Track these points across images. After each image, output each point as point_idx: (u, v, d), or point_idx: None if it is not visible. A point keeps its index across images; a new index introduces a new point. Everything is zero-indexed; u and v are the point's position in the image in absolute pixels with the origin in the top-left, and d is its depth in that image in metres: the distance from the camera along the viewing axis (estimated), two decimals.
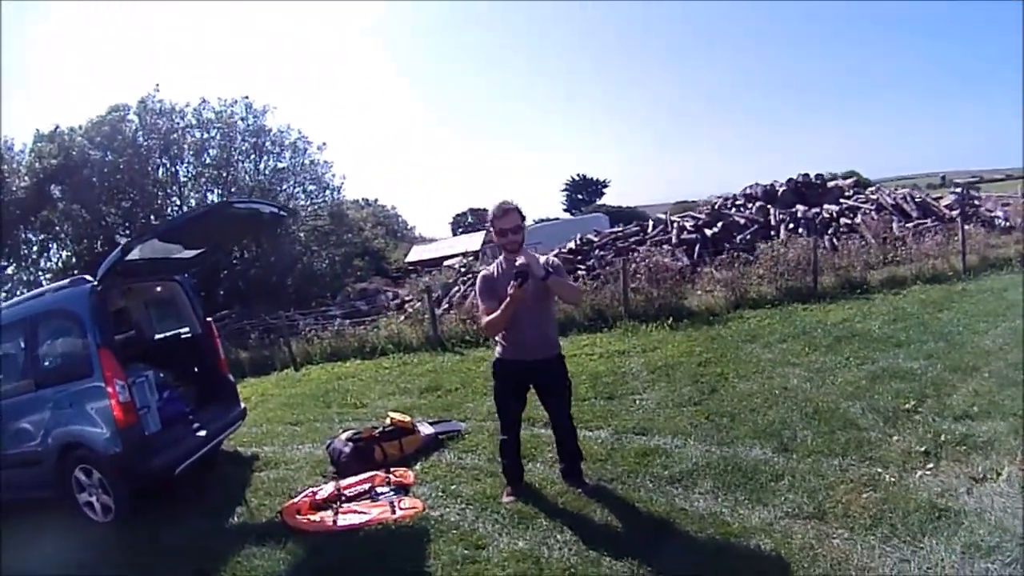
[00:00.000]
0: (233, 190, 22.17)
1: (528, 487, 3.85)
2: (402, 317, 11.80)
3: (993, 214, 11.58)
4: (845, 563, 2.74)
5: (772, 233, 12.65)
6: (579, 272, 11.30)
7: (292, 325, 11.78)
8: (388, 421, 4.96)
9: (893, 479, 3.40)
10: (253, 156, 23.49)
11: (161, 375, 5.17)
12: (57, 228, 20.94)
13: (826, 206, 13.32)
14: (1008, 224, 10.83)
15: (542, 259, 3.53)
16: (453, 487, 4.07)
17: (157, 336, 5.74)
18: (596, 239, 13.03)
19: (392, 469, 4.30)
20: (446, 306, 11.97)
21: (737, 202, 15.22)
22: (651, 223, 14.09)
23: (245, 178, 23.01)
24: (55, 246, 21.67)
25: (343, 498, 3.99)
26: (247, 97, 23.25)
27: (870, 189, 14.46)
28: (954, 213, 11.50)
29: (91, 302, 4.33)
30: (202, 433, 4.90)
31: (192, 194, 22.34)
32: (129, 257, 4.31)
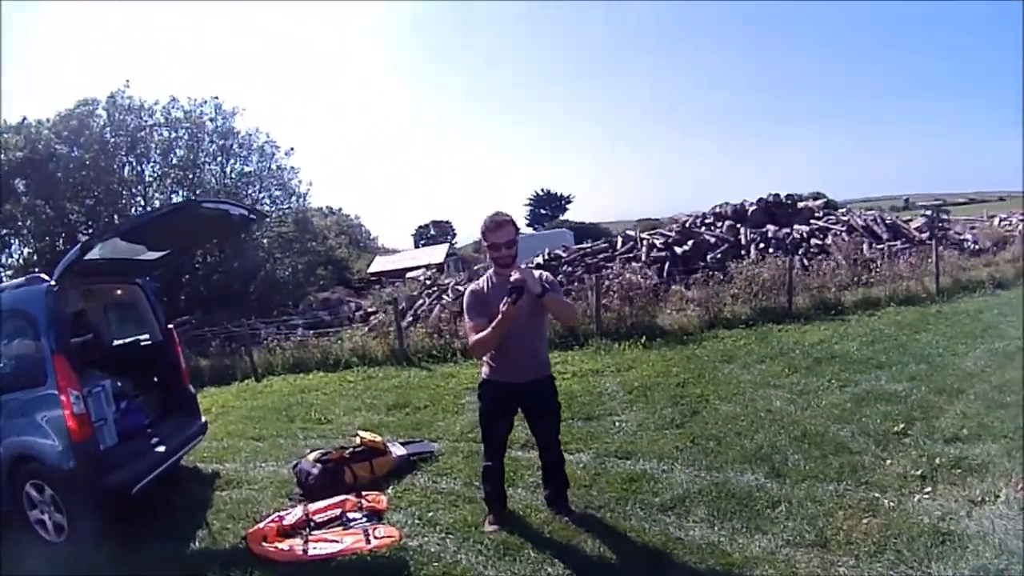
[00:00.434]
0: (198, 192, 22.50)
1: (511, 515, 3.77)
2: (366, 329, 11.89)
3: (962, 237, 12.20)
4: None
5: (743, 252, 13.02)
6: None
7: (254, 334, 11.84)
8: (358, 440, 4.87)
9: (892, 504, 3.47)
10: (220, 158, 24.25)
11: (119, 384, 5.03)
12: (20, 223, 20.98)
13: (796, 226, 13.80)
14: (978, 247, 11.40)
15: (537, 274, 3.49)
16: (430, 514, 3.97)
17: (116, 342, 5.57)
18: (564, 255, 13.11)
19: (364, 493, 4.20)
20: (410, 319, 11.92)
21: (706, 220, 15.59)
22: (620, 239, 14.31)
23: (211, 180, 23.56)
24: (16, 242, 21.84)
25: (312, 524, 3.88)
26: (217, 97, 24.36)
27: (841, 210, 15.04)
28: (924, 235, 12.04)
29: (47, 303, 4.14)
30: (161, 448, 4.75)
31: (157, 195, 22.83)
32: (89, 256, 4.15)
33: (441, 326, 10.28)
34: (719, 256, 12.77)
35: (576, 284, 10.80)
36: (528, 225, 57.48)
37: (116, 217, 20.94)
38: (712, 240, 13.67)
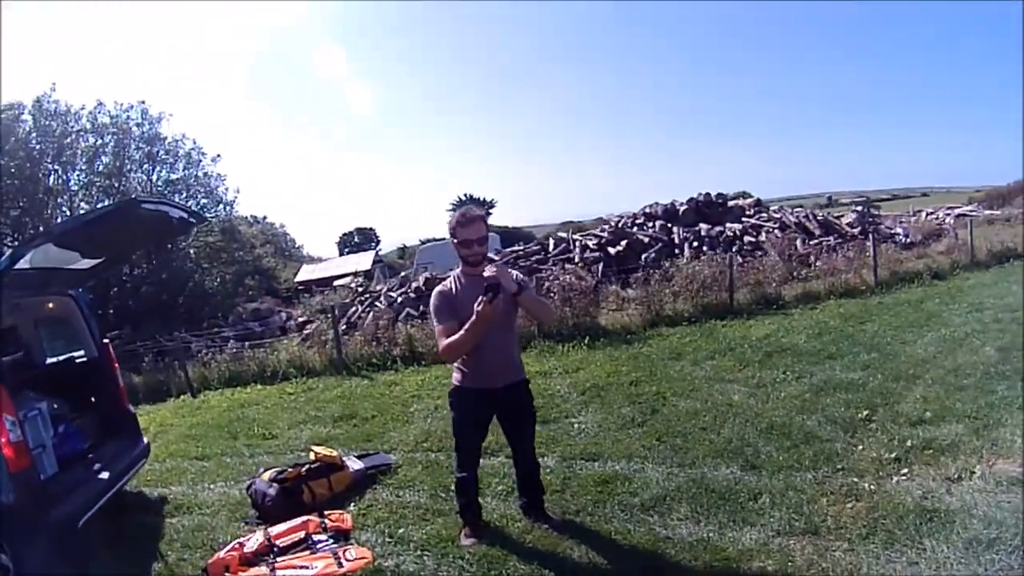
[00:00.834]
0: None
1: (487, 527, 3.68)
2: (298, 339, 11.94)
3: (893, 231, 13.09)
4: (855, 574, 2.86)
5: (676, 251, 13.47)
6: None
7: (186, 347, 11.87)
8: (312, 456, 4.69)
9: (872, 487, 3.63)
10: (146, 165, 24.51)
11: (55, 406, 4.63)
12: None
13: (728, 224, 14.40)
14: (909, 240, 12.26)
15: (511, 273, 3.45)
16: (400, 530, 3.83)
17: (48, 360, 5.28)
18: (497, 258, 13.12)
19: (326, 512, 3.99)
20: (344, 327, 11.78)
21: (637, 221, 16.02)
22: (552, 242, 14.48)
23: (137, 188, 23.42)
24: None
25: (276, 549, 3.63)
26: (144, 102, 24.32)
27: (773, 208, 15.80)
28: (856, 231, 12.82)
29: None
30: (105, 475, 4.42)
31: (83, 204, 22.64)
32: (19, 266, 3.81)
33: (379, 334, 10.17)
34: (653, 255, 13.13)
35: None
36: None
37: (41, 229, 19.83)
38: (646, 240, 14.08)
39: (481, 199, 63.49)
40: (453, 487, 4.17)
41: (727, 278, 9.93)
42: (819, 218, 14.07)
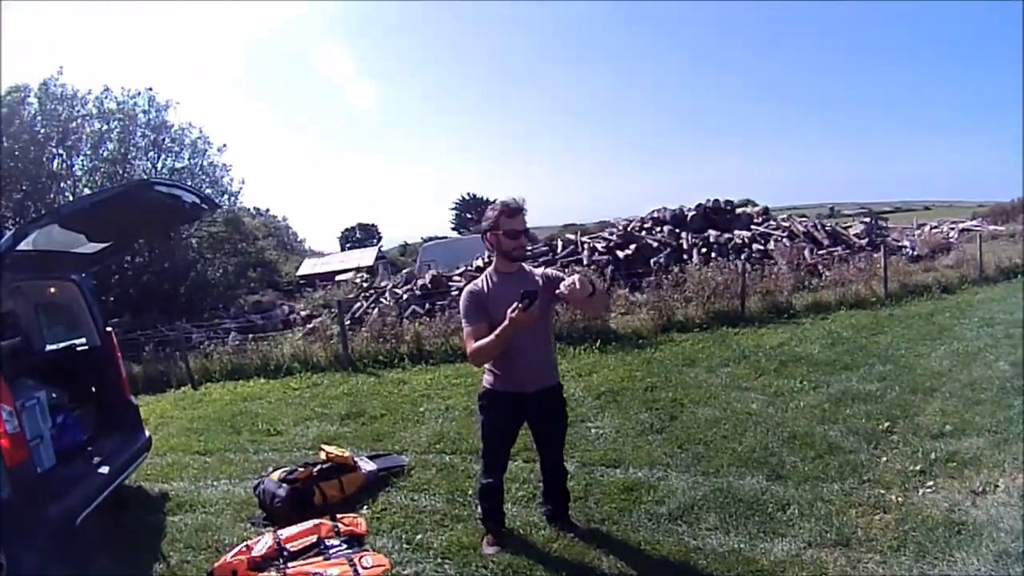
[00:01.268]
0: None
1: (510, 534, 3.64)
2: (300, 333, 11.77)
3: (900, 244, 13.13)
4: None
5: (685, 257, 13.48)
6: None
7: (187, 338, 11.58)
8: (322, 456, 4.60)
9: (899, 499, 3.65)
10: (151, 153, 24.43)
11: (53, 396, 4.51)
12: None
13: (737, 232, 14.41)
14: (916, 253, 12.31)
15: (538, 272, 3.40)
16: (418, 536, 3.77)
17: (48, 347, 5.14)
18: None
19: (339, 516, 3.87)
20: (347, 322, 11.66)
21: (645, 225, 16.03)
22: (560, 243, 14.49)
23: (142, 176, 23.15)
24: None
25: (286, 554, 3.52)
26: (151, 89, 24.14)
27: (781, 216, 15.81)
28: (863, 242, 12.85)
29: None
30: (105, 469, 4.29)
31: (86, 190, 22.13)
32: (21, 247, 3.68)
33: (386, 331, 10.12)
34: (662, 260, 13.14)
35: None
36: (453, 229, 60.30)
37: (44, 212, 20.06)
38: (654, 244, 14.08)
39: (484, 198, 64.41)
40: (471, 492, 4.20)
41: (739, 285, 9.94)
42: (827, 228, 14.10)
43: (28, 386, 4.29)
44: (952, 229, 15.78)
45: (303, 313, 15.72)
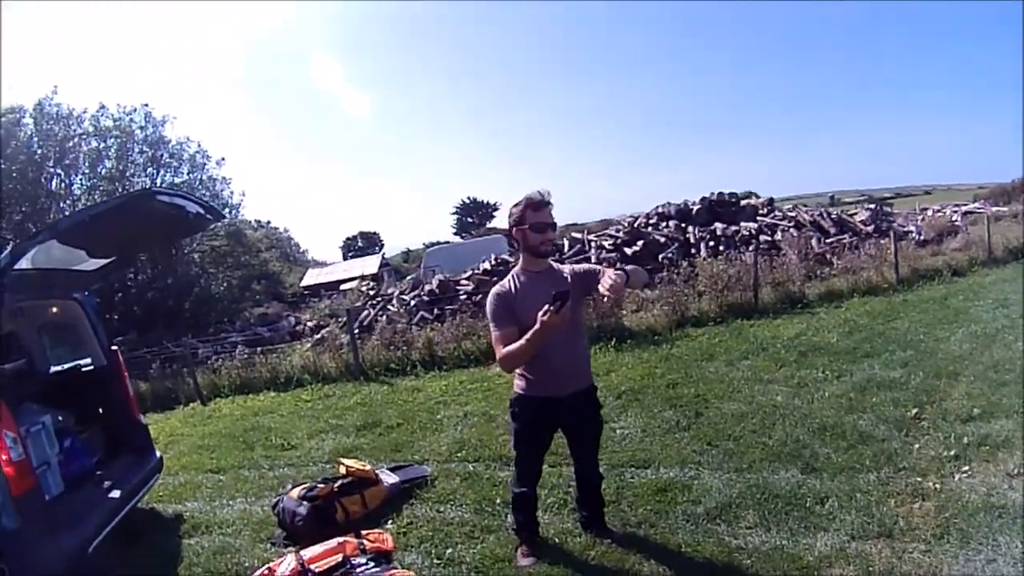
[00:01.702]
0: None
1: (544, 544, 3.59)
2: (309, 344, 11.84)
3: (906, 229, 13.12)
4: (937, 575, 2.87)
5: (693, 251, 13.47)
6: None
7: (194, 354, 11.63)
8: (342, 470, 4.50)
9: (937, 486, 3.65)
10: (150, 169, 24.72)
11: (60, 419, 4.42)
12: None
13: (743, 224, 14.39)
14: (922, 238, 12.29)
15: (566, 269, 3.34)
16: (448, 551, 3.71)
17: (53, 369, 5.03)
18: (511, 259, 13.16)
19: (363, 532, 3.77)
20: (356, 331, 11.72)
21: (650, 221, 16.02)
22: (567, 242, 14.52)
23: None
24: None
25: (311, 575, 3.47)
26: (147, 105, 24.75)
27: (787, 207, 15.78)
28: (870, 228, 12.83)
29: None
30: (116, 493, 4.18)
31: None
32: (20, 265, 3.58)
33: (396, 338, 10.13)
34: (671, 255, 13.14)
35: None
36: (455, 233, 60.97)
37: None
38: (662, 240, 14.07)
39: (484, 202, 65.22)
40: (499, 501, 4.17)
41: (751, 277, 9.93)
42: (833, 217, 14.08)
43: (33, 410, 4.19)
44: (955, 212, 15.77)
45: (310, 324, 15.81)
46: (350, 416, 7.27)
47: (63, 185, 22.80)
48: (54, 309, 4.88)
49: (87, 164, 23.21)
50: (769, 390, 5.87)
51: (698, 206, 15.69)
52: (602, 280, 2.94)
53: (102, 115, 23.43)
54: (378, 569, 3.46)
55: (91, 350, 4.93)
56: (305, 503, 4.18)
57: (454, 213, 67.20)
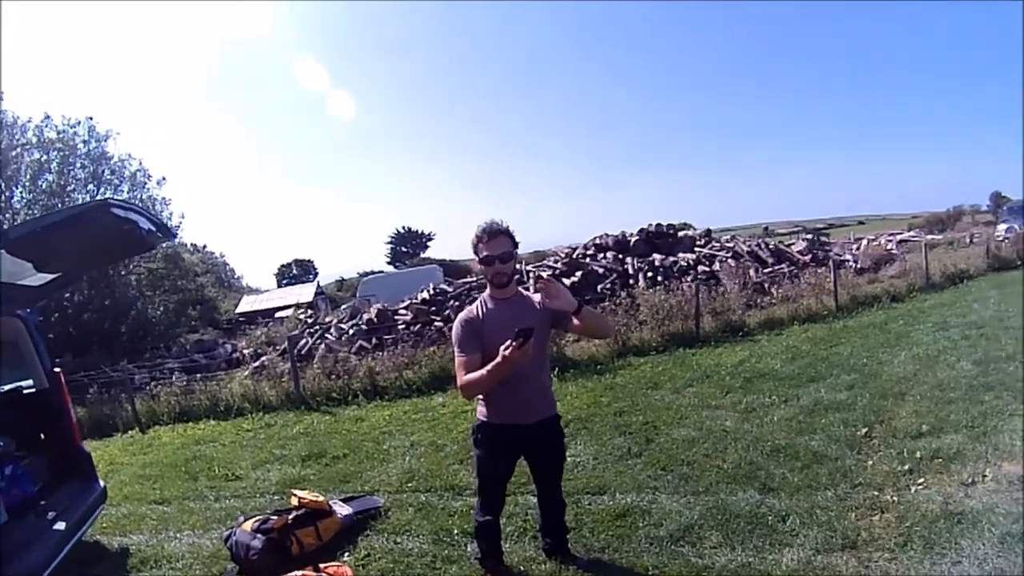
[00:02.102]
0: None
1: (509, 572, 3.58)
2: (247, 372, 11.84)
3: (843, 257, 13.84)
4: None
5: (631, 281, 13.79)
6: (436, 323, 11.57)
7: (131, 379, 11.54)
8: (294, 502, 4.42)
9: (894, 498, 3.82)
10: (91, 186, 24.14)
11: (0, 443, 4.27)
12: None
13: (681, 254, 14.87)
14: (859, 266, 13.00)
15: (536, 297, 3.29)
16: None
17: None
18: (450, 289, 13.20)
19: (322, 566, 3.67)
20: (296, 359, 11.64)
21: (588, 252, 16.36)
22: None
23: None
24: None
25: None
26: (91, 118, 23.91)
27: (725, 237, 16.42)
28: (807, 258, 13.48)
29: None
30: (61, 525, 4.01)
31: None
32: None
33: (337, 367, 10.09)
34: (609, 286, 13.41)
35: None
36: (389, 263, 62.48)
37: None
38: (600, 270, 14.35)
39: (419, 232, 66.08)
40: (456, 531, 4.17)
41: (692, 306, 10.23)
42: (771, 247, 14.75)
43: None
44: (891, 241, 16.81)
45: (247, 351, 15.90)
46: (294, 446, 7.20)
47: (3, 197, 22.16)
48: None
49: (28, 176, 22.58)
50: (717, 415, 6.02)
51: (636, 237, 16.15)
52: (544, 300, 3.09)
53: (46, 126, 23.06)
54: None
55: (33, 371, 4.80)
56: (260, 536, 4.11)
57: (388, 243, 68.17)
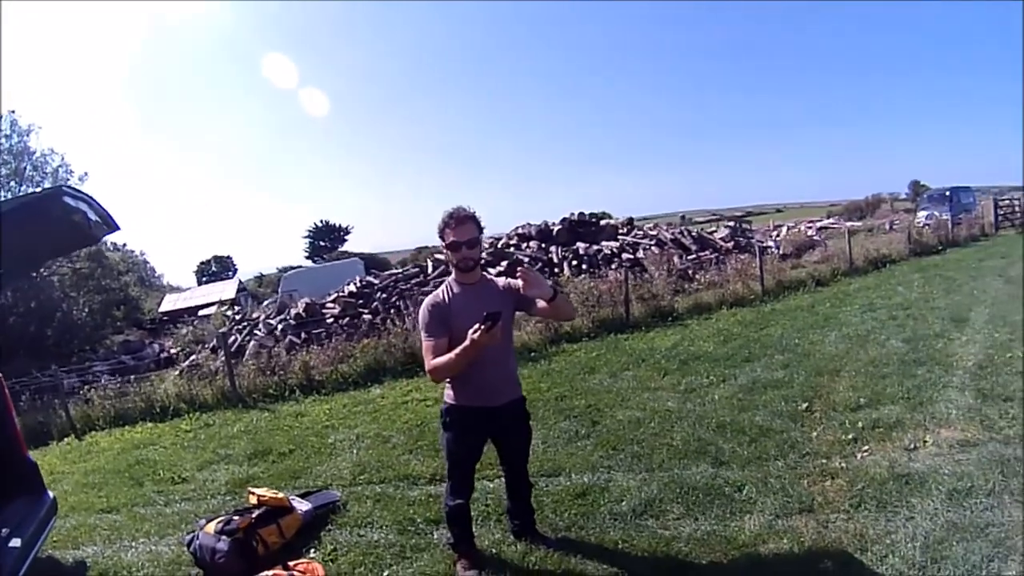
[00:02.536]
0: None
1: (481, 555, 3.64)
2: (177, 372, 11.67)
3: (765, 244, 14.57)
4: (864, 537, 3.29)
5: (556, 270, 14.08)
6: (365, 316, 11.41)
7: (63, 384, 11.40)
8: (253, 500, 4.32)
9: (843, 465, 4.16)
10: (12, 182, 24.35)
11: None
12: None
13: (604, 243, 15.27)
14: (782, 252, 13.74)
15: (500, 282, 3.44)
16: (385, 573, 3.67)
17: None
18: (377, 282, 13.15)
19: (291, 564, 3.61)
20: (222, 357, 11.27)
21: (511, 241, 16.57)
22: (430, 264, 14.66)
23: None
24: None
25: None
26: (13, 112, 24.04)
27: (648, 226, 16.95)
28: (730, 245, 14.13)
29: None
30: (16, 542, 3.77)
31: None
32: None
33: (271, 363, 10.01)
34: None
35: (393, 311, 10.89)
36: (307, 257, 62.60)
37: None
38: (526, 260, 14.55)
39: (337, 225, 66.00)
40: (419, 519, 4.22)
41: (622, 293, 10.54)
42: (693, 234, 15.36)
43: None
44: (810, 228, 17.81)
45: (174, 351, 16.09)
46: (237, 444, 7.09)
47: None
48: None
49: None
50: (658, 396, 6.29)
51: (559, 227, 16.47)
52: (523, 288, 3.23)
53: None
54: None
55: None
56: (224, 538, 4.00)
57: (306, 237, 68.00)
